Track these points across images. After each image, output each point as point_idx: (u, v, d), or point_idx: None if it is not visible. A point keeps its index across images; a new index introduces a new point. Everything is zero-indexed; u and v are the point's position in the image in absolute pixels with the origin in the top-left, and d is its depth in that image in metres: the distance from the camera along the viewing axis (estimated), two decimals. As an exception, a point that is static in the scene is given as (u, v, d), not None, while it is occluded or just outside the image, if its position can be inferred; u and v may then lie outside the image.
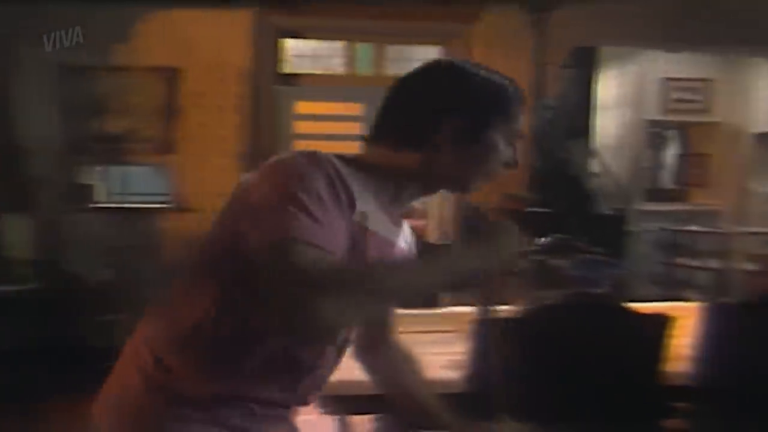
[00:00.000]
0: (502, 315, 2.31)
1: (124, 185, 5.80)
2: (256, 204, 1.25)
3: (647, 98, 8.37)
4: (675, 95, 8.43)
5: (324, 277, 1.14)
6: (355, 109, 9.93)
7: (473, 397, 2.25)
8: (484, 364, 2.14)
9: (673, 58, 8.27)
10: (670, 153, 9.99)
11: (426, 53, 6.06)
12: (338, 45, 5.84)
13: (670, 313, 2.30)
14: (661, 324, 2.23)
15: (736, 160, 8.75)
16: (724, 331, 2.26)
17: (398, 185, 1.44)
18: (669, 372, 2.33)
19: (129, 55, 5.50)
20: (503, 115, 1.44)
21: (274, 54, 5.75)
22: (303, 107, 9.55)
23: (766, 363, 2.27)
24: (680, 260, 7.73)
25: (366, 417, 2.99)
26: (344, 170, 1.30)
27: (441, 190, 1.52)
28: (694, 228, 7.79)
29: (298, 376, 1.42)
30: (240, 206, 1.30)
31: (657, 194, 8.97)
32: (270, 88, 5.66)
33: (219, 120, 5.69)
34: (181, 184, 5.63)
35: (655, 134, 9.55)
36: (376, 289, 1.21)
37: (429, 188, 1.49)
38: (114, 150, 5.55)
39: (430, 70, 1.46)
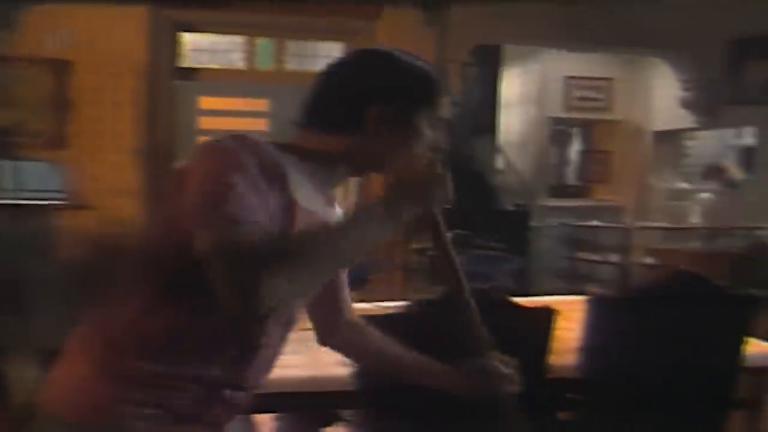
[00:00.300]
0: (385, 311, 2.32)
1: (17, 181, 5.58)
2: (191, 186, 1.27)
3: (550, 96, 8.54)
4: (577, 93, 8.63)
5: (258, 251, 1.17)
6: (259, 104, 9.85)
7: (363, 393, 2.23)
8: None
9: (576, 57, 8.46)
10: (574, 150, 10.23)
11: (328, 49, 6.03)
12: (238, 39, 5.73)
13: (559, 306, 2.33)
14: (545, 317, 2.25)
15: (637, 157, 9.02)
16: (606, 324, 2.30)
17: (328, 167, 1.48)
18: (558, 365, 2.36)
19: (16, 45, 5.29)
20: (428, 100, 1.48)
21: (171, 48, 5.62)
22: (206, 102, 9.43)
23: (645, 354, 2.32)
24: (582, 255, 7.91)
25: (269, 415, 2.95)
26: (274, 152, 1.33)
27: (368, 172, 1.54)
28: (595, 223, 7.99)
29: (244, 356, 1.44)
30: (176, 191, 1.31)
31: (560, 190, 9.17)
32: (168, 83, 5.53)
33: (114, 115, 5.53)
34: (76, 180, 5.45)
35: (558, 131, 9.75)
36: (312, 256, 1.24)
37: (357, 170, 1.53)
38: (2, 144, 5.33)
39: (357, 57, 1.50)
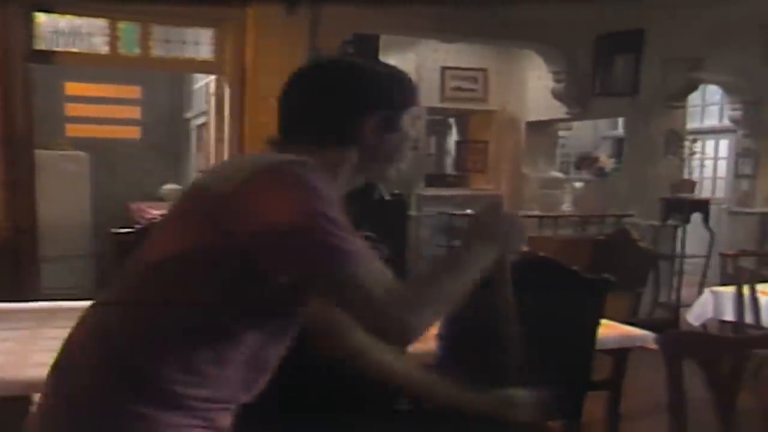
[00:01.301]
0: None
1: None
2: (278, 224, 1.27)
3: (426, 86, 8.61)
4: (453, 84, 8.75)
5: (400, 297, 1.28)
6: (132, 92, 9.56)
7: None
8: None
9: (451, 48, 8.57)
10: (452, 140, 10.39)
11: (197, 35, 5.87)
12: (99, 23, 5.49)
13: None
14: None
15: (511, 147, 9.24)
16: (460, 309, 2.31)
17: (334, 182, 1.46)
18: (416, 352, 2.37)
19: None
20: (411, 104, 1.53)
21: (25, 29, 5.29)
22: (73, 89, 9.06)
23: (488, 335, 2.34)
24: (458, 243, 8.00)
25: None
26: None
27: (367, 181, 1.58)
28: (470, 212, 8.10)
29: (261, 376, 1.46)
30: (236, 218, 1.29)
31: (438, 180, 9.29)
32: (22, 66, 5.22)
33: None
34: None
35: (435, 122, 9.87)
36: (450, 289, 1.37)
37: (354, 180, 1.54)
38: None
39: (338, 69, 1.52)
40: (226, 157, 6.13)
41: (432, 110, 8.91)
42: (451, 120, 10.31)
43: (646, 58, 7.17)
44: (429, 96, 8.63)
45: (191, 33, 5.90)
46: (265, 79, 5.67)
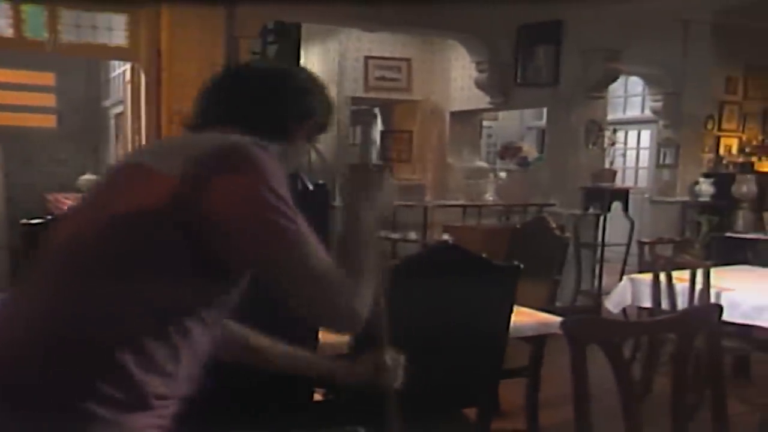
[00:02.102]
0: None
1: None
2: (233, 206, 1.27)
3: (350, 76, 8.58)
4: (377, 73, 8.74)
5: (348, 287, 1.35)
6: (46, 78, 9.25)
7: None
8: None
9: (374, 38, 8.55)
10: (376, 130, 10.38)
11: (109, 21, 5.70)
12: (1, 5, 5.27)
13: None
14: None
15: (436, 137, 9.27)
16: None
17: None
18: (327, 341, 2.35)
19: None
20: (330, 118, 1.68)
21: None
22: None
23: (408, 327, 2.33)
24: (382, 233, 7.99)
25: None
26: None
27: None
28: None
29: (200, 368, 1.44)
30: (199, 199, 1.26)
31: (363, 170, 9.26)
32: None
33: None
34: None
35: (359, 111, 9.84)
36: (370, 269, 1.42)
37: None
38: None
39: (291, 76, 1.61)
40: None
41: (356, 100, 8.89)
42: (376, 110, 10.30)
43: (566, 49, 7.28)
44: (353, 86, 8.61)
45: (103, 18, 5.73)
46: (182, 66, 5.57)
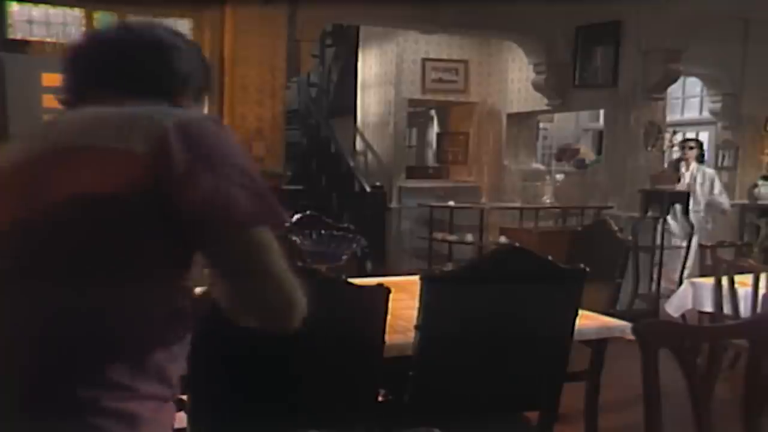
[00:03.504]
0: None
1: None
2: (195, 177, 1.18)
3: (407, 78, 8.59)
4: (434, 75, 8.73)
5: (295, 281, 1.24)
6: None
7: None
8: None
9: (432, 40, 8.55)
10: (433, 132, 10.37)
11: (174, 26, 5.80)
12: (74, 12, 5.41)
13: (407, 285, 2.32)
14: (378, 296, 2.23)
15: (492, 139, 9.23)
16: (437, 300, 2.31)
17: None
18: (395, 343, 2.37)
19: None
20: (210, 78, 1.58)
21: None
22: (50, 80, 8.91)
23: (479, 328, 2.34)
24: (439, 235, 8.01)
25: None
26: None
27: None
28: (451, 203, 8.10)
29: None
30: (164, 178, 1.18)
31: (419, 171, 9.28)
32: (-4, 56, 5.14)
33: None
34: None
35: (416, 113, 9.85)
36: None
37: None
38: None
39: (166, 39, 1.45)
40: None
41: (413, 102, 8.90)
42: (432, 112, 10.29)
43: (625, 50, 7.17)
44: (410, 87, 8.62)
45: (169, 23, 5.83)
46: (244, 70, 5.64)
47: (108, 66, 1.40)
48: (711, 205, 7.51)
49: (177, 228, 1.20)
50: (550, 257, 2.43)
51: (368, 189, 7.76)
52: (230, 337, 1.66)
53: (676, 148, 8.21)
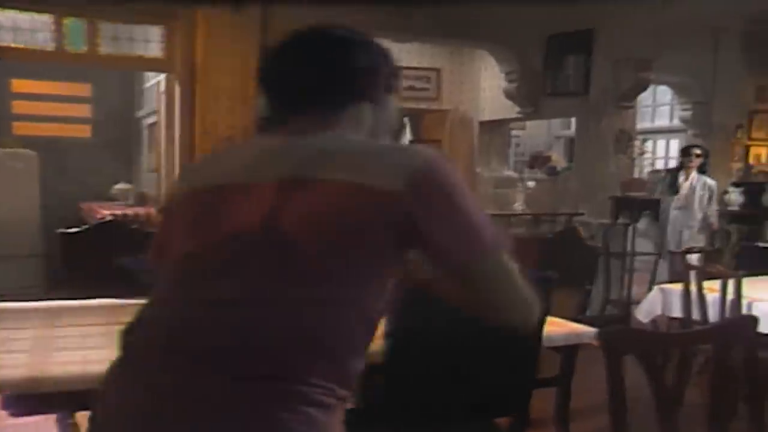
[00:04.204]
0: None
1: None
2: (443, 216, 1.30)
3: (380, 85, 8.60)
4: (406, 83, 8.75)
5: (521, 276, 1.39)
6: (81, 89, 9.38)
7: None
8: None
9: (404, 48, 8.57)
10: (405, 139, 10.38)
11: (146, 33, 5.78)
12: (44, 18, 5.36)
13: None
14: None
15: (464, 147, 9.27)
16: (407, 307, 2.30)
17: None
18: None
19: None
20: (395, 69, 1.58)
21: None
22: (20, 86, 8.86)
23: (448, 336, 2.34)
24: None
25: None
26: None
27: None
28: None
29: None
30: (409, 214, 1.29)
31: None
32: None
33: None
34: None
35: (390, 121, 9.85)
36: None
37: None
38: None
39: (342, 34, 1.50)
40: (177, 157, 6.04)
41: (386, 109, 8.91)
42: (405, 119, 10.31)
43: (596, 59, 7.25)
44: (383, 95, 8.63)
45: (140, 30, 5.80)
46: (216, 77, 5.62)
47: (308, 90, 1.46)
48: (706, 220, 7.09)
49: (405, 246, 1.33)
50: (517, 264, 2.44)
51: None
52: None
53: (666, 157, 8.25)
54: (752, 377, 1.84)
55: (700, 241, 6.98)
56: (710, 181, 7.12)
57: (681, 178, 7.03)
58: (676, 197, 6.98)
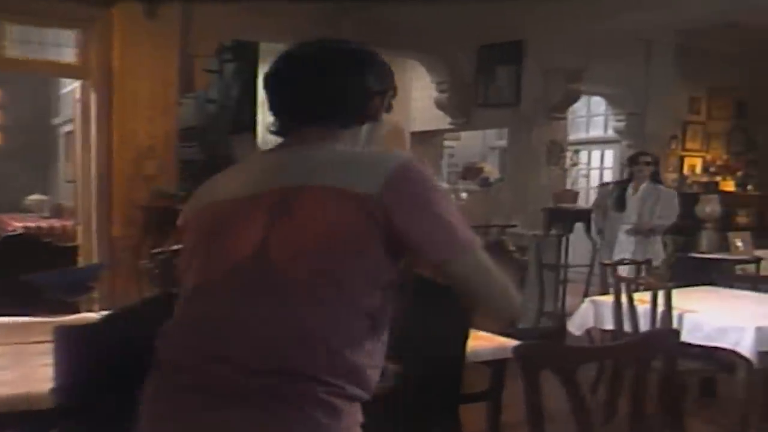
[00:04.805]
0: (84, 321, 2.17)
1: None
2: (428, 214, 1.45)
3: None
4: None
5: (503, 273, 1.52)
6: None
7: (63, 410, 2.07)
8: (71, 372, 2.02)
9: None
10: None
11: (58, 37, 5.65)
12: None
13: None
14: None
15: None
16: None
17: None
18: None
19: None
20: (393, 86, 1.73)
21: None
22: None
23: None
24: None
25: None
26: None
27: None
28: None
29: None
30: (394, 214, 1.42)
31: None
32: None
33: None
34: None
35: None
36: None
37: None
38: None
39: (351, 50, 1.65)
40: (93, 167, 5.91)
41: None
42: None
43: (527, 69, 7.35)
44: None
45: (52, 34, 5.68)
46: (134, 84, 5.52)
47: (307, 100, 1.59)
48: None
49: (392, 247, 1.45)
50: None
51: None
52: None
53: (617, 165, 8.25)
54: (671, 389, 1.88)
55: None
56: (667, 191, 6.52)
57: (629, 191, 6.38)
58: (624, 214, 6.33)
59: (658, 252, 6.37)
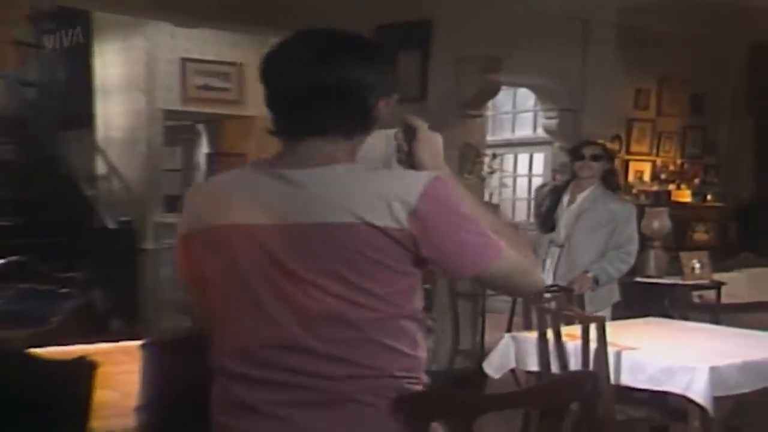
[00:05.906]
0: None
1: None
2: (453, 226, 1.82)
3: (163, 82, 8.46)
4: (198, 81, 8.65)
5: (528, 260, 1.97)
6: None
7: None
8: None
9: (194, 35, 8.43)
10: (201, 152, 10.29)
11: None
12: None
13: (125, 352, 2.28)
14: (81, 372, 2.18)
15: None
16: (158, 371, 2.27)
17: None
18: (101, 427, 2.30)
19: None
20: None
21: None
22: None
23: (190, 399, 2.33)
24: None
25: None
26: None
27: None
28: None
29: None
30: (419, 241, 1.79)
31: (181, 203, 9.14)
32: None
33: None
34: None
35: (179, 129, 9.72)
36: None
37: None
38: None
39: (364, 49, 1.91)
40: None
41: (172, 114, 8.77)
42: (200, 127, 10.21)
43: (436, 57, 7.36)
44: (166, 95, 8.51)
45: None
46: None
47: (317, 111, 1.84)
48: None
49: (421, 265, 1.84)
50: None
51: (112, 225, 7.58)
52: None
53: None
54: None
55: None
56: (621, 206, 5.59)
57: (564, 198, 5.57)
58: (554, 235, 5.60)
59: None
